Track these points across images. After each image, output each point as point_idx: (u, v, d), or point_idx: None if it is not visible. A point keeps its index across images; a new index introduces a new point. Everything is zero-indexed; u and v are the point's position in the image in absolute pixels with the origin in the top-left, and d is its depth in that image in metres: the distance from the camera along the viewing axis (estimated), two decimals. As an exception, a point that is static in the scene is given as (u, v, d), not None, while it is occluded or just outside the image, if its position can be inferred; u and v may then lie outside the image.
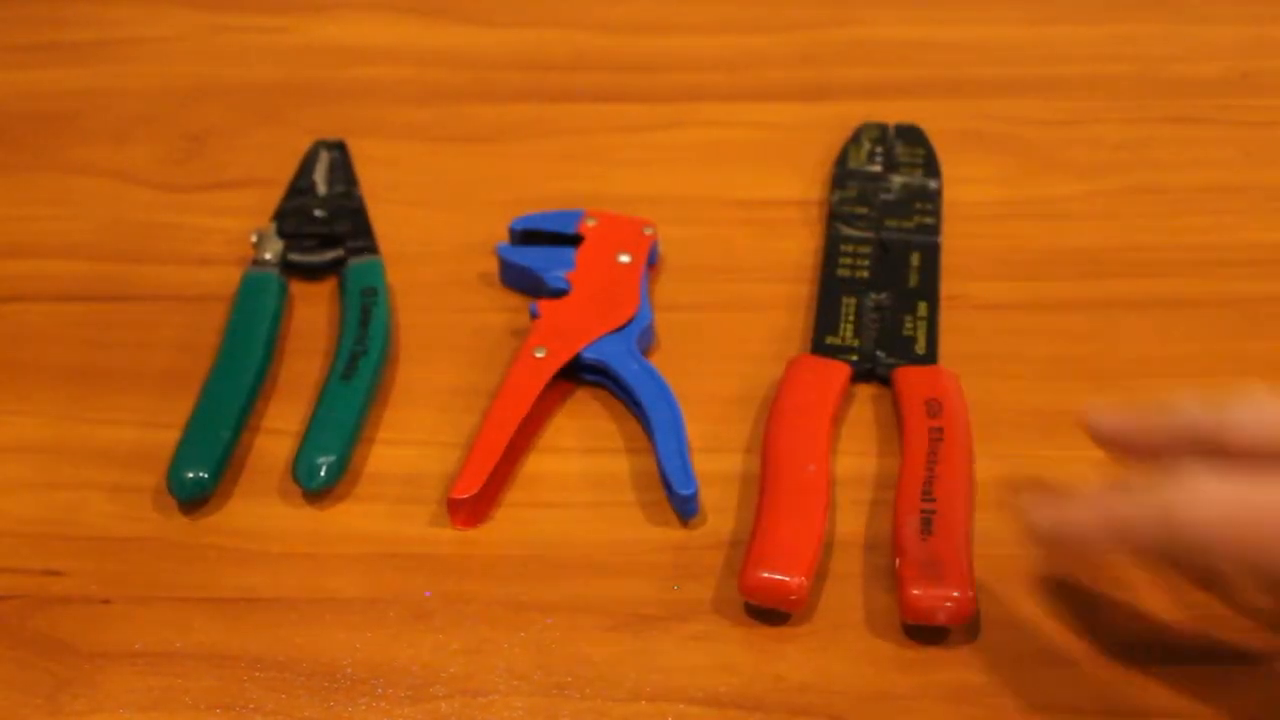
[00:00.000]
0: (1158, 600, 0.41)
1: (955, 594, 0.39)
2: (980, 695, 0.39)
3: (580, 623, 0.41)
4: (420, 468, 0.45)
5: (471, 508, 0.43)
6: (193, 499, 0.44)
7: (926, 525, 0.41)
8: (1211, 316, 0.50)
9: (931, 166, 0.56)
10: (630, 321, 0.48)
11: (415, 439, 0.46)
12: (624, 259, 0.50)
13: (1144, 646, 0.40)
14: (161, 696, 0.39)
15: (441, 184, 0.58)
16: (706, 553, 0.43)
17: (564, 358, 0.47)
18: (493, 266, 0.52)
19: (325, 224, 0.53)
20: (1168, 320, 0.50)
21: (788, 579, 0.39)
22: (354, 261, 0.51)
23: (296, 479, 0.44)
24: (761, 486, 0.43)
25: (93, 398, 0.48)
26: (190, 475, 0.43)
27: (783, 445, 0.43)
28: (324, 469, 0.44)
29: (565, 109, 0.62)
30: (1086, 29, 0.66)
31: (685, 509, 0.43)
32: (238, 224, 0.54)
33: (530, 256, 0.51)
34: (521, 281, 0.51)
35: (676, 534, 0.43)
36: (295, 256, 0.52)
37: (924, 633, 0.40)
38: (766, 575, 0.39)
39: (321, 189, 0.55)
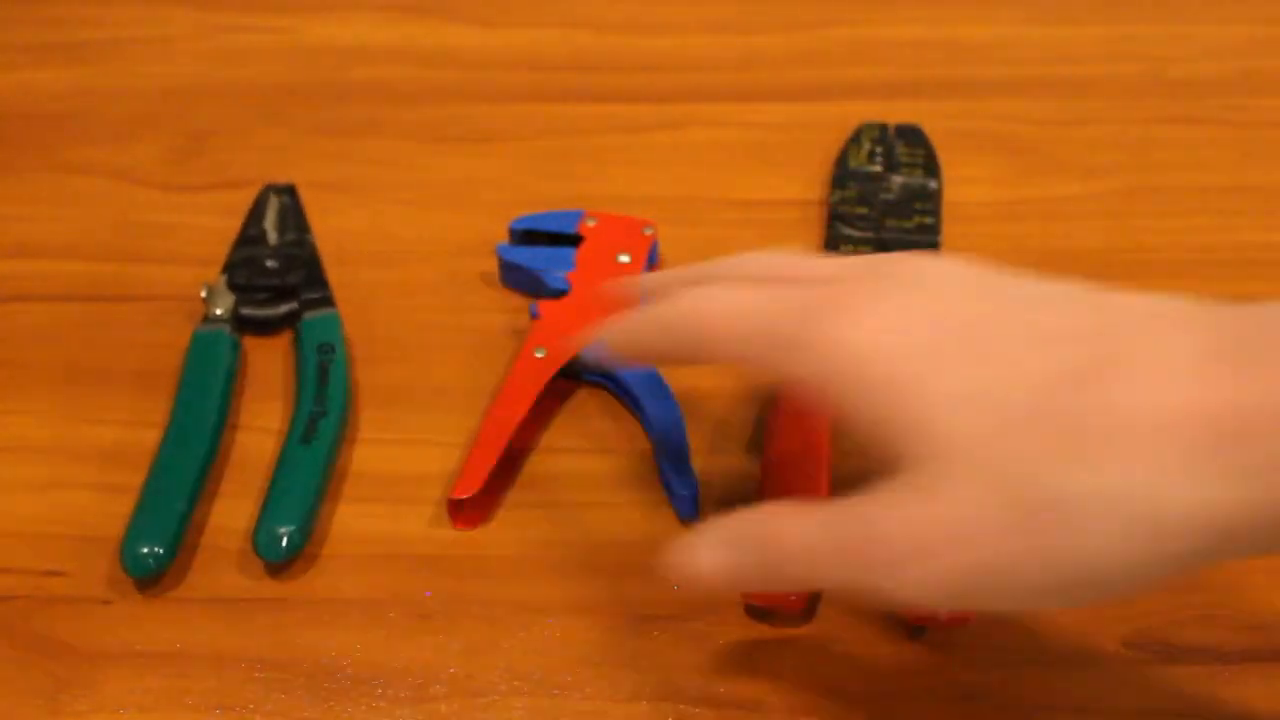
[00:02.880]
0: (1157, 599, 0.41)
1: None
2: (980, 695, 0.39)
3: (580, 623, 0.41)
4: (420, 468, 0.45)
5: (472, 508, 0.43)
6: (148, 576, 0.41)
7: None
8: (1211, 316, 0.50)
9: (932, 166, 0.56)
10: None
11: (415, 439, 0.46)
12: (624, 259, 0.50)
13: (1144, 646, 0.40)
14: (161, 696, 0.39)
15: (441, 184, 0.58)
16: (706, 553, 0.43)
17: (564, 358, 0.47)
18: (493, 266, 0.52)
19: (278, 275, 0.51)
20: (1168, 320, 0.50)
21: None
22: (309, 315, 0.49)
23: (257, 550, 0.41)
24: (761, 487, 0.43)
25: (93, 397, 0.48)
26: (145, 551, 0.41)
27: (783, 445, 0.43)
28: (285, 539, 0.41)
29: (565, 109, 0.62)
30: (1087, 29, 0.66)
31: (685, 509, 0.43)
32: (238, 224, 0.53)
33: (530, 257, 0.51)
34: (521, 282, 0.51)
35: (676, 534, 0.43)
36: (248, 311, 0.50)
37: (924, 633, 0.40)
38: None
39: (273, 237, 0.53)
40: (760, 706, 0.38)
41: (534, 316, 0.48)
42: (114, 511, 0.43)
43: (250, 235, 0.53)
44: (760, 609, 0.41)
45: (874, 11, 0.67)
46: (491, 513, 0.44)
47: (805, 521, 0.32)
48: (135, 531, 0.42)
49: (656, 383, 0.46)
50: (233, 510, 0.44)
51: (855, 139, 0.57)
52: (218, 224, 0.54)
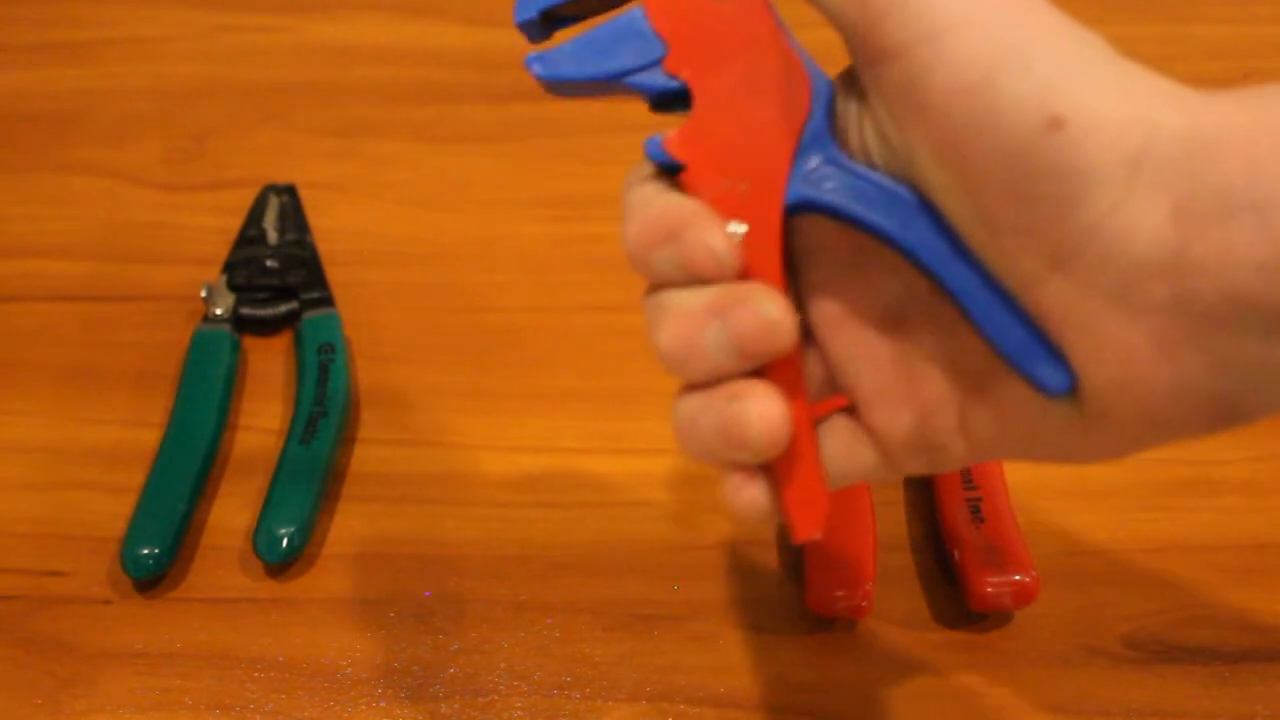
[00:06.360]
0: (1158, 600, 0.41)
1: (1018, 577, 0.39)
2: (980, 695, 0.39)
3: (580, 623, 0.41)
4: (420, 468, 0.45)
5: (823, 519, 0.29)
6: (148, 576, 0.41)
7: (976, 512, 0.41)
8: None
9: None
10: (811, 108, 0.29)
11: (415, 439, 0.46)
12: None
13: (1143, 646, 0.40)
14: (161, 696, 0.39)
15: (441, 184, 0.58)
16: (706, 553, 0.43)
17: (773, 216, 0.28)
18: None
19: (278, 275, 0.51)
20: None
21: (857, 591, 0.39)
22: (309, 315, 0.49)
23: (257, 551, 0.42)
24: None
25: (93, 397, 0.48)
26: (145, 551, 0.41)
27: None
28: (285, 540, 0.42)
29: (565, 109, 0.61)
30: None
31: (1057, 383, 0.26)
32: (237, 224, 0.54)
33: (585, 58, 0.30)
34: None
35: (676, 534, 0.43)
36: (248, 310, 0.50)
37: (924, 632, 0.40)
38: (840, 593, 0.39)
39: (272, 237, 0.53)
40: (761, 706, 0.38)
41: (663, 164, 0.29)
42: (114, 511, 0.43)
43: (250, 235, 0.53)
44: (756, 610, 0.40)
45: (874, 11, 0.67)
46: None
47: None
48: (135, 532, 0.42)
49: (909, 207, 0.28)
50: (233, 510, 0.44)
51: None
52: (218, 224, 0.54)
